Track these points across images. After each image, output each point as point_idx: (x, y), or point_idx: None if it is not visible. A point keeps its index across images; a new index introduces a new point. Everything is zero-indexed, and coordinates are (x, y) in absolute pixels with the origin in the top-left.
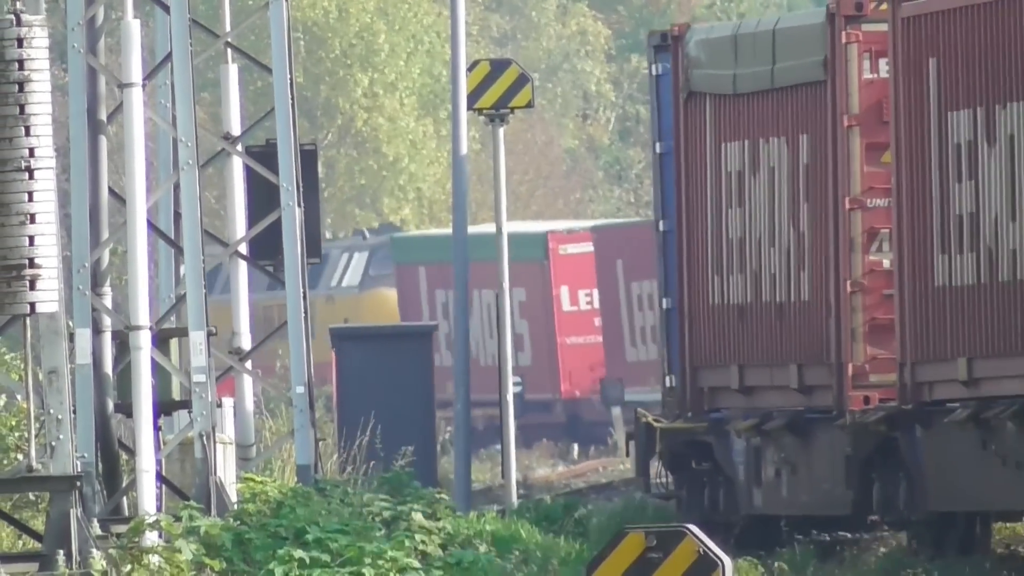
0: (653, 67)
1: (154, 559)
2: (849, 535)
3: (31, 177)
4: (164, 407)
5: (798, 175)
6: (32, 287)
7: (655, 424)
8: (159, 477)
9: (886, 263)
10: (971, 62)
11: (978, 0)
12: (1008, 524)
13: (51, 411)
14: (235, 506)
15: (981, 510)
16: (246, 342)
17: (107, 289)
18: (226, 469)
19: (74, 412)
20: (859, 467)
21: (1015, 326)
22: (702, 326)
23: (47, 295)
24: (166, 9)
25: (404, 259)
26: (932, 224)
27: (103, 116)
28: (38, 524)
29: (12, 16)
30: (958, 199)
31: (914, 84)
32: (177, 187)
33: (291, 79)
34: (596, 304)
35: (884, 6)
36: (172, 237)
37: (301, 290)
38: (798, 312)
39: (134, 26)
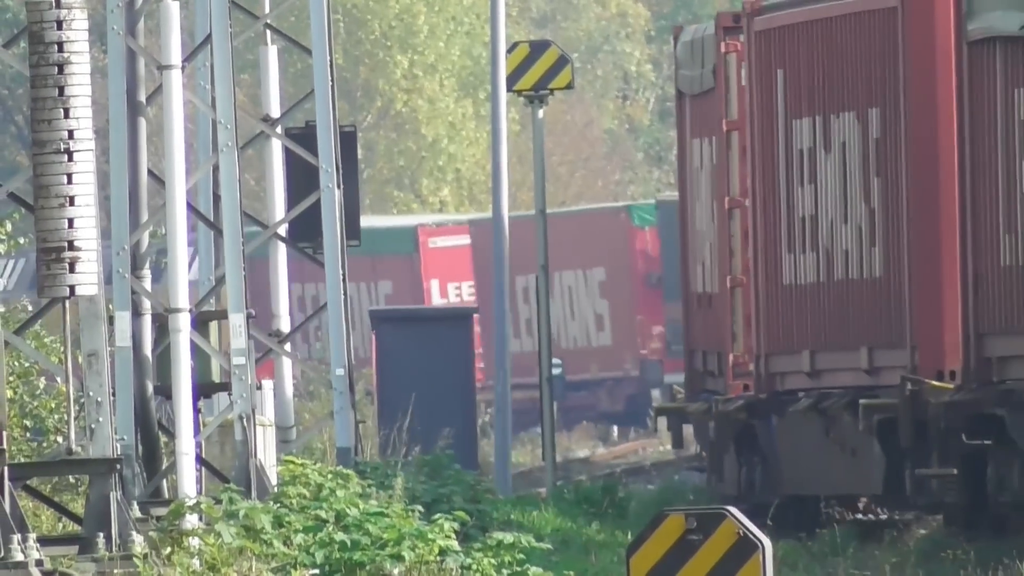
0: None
1: (194, 542)
2: (885, 516)
3: (70, 159)
4: (204, 389)
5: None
6: (72, 270)
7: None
8: (199, 459)
9: None
10: (811, 74)
11: (815, 16)
12: None
13: (91, 394)
14: (275, 489)
15: (825, 494)
16: (285, 324)
17: (146, 271)
18: (266, 451)
19: (114, 395)
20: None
21: (849, 322)
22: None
23: (87, 278)
24: None
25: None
26: (780, 225)
27: (142, 98)
28: (78, 507)
29: None
30: (801, 202)
31: (764, 94)
32: (216, 169)
33: (330, 61)
34: (468, 297)
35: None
36: (212, 219)
37: (340, 272)
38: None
39: (173, 7)
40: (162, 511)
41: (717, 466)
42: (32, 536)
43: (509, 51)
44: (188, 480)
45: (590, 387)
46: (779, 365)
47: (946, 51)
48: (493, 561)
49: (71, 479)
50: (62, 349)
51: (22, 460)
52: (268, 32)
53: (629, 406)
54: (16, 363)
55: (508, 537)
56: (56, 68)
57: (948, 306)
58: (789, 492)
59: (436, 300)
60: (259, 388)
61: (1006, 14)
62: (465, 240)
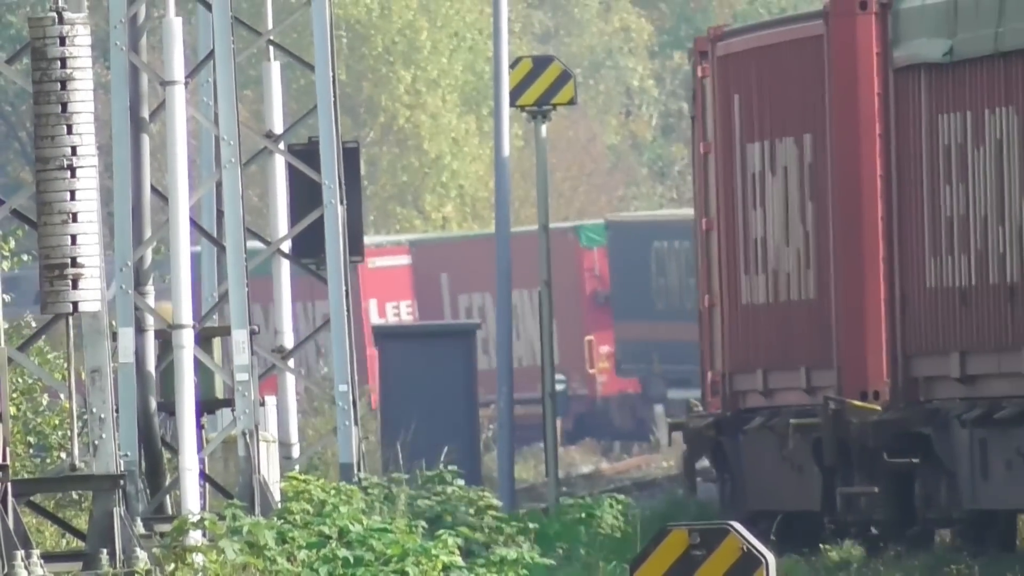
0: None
1: (198, 558)
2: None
3: (73, 175)
4: (207, 405)
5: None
6: (75, 286)
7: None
8: (202, 475)
9: None
10: (760, 99)
11: (763, 43)
12: None
13: (94, 410)
14: (278, 505)
15: (780, 510)
16: (289, 340)
17: (150, 288)
18: (269, 467)
19: (117, 411)
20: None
21: (792, 342)
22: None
23: (90, 294)
24: (208, 7)
25: None
26: (738, 247)
27: (145, 114)
28: (81, 523)
29: (54, 14)
30: (753, 225)
31: (725, 118)
32: (219, 185)
33: (333, 76)
34: (407, 316)
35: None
36: (215, 235)
37: (343, 288)
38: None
39: (176, 24)
40: (166, 527)
41: (691, 482)
42: (36, 552)
43: (512, 66)
44: (192, 496)
45: (538, 406)
46: (740, 384)
47: (868, 77)
48: None
49: (75, 495)
50: (65, 365)
51: (25, 476)
52: (271, 48)
53: (577, 424)
54: (19, 379)
55: (511, 553)
56: (59, 84)
57: (872, 328)
58: (753, 508)
59: (374, 319)
60: (262, 404)
61: (931, 41)
62: (404, 260)
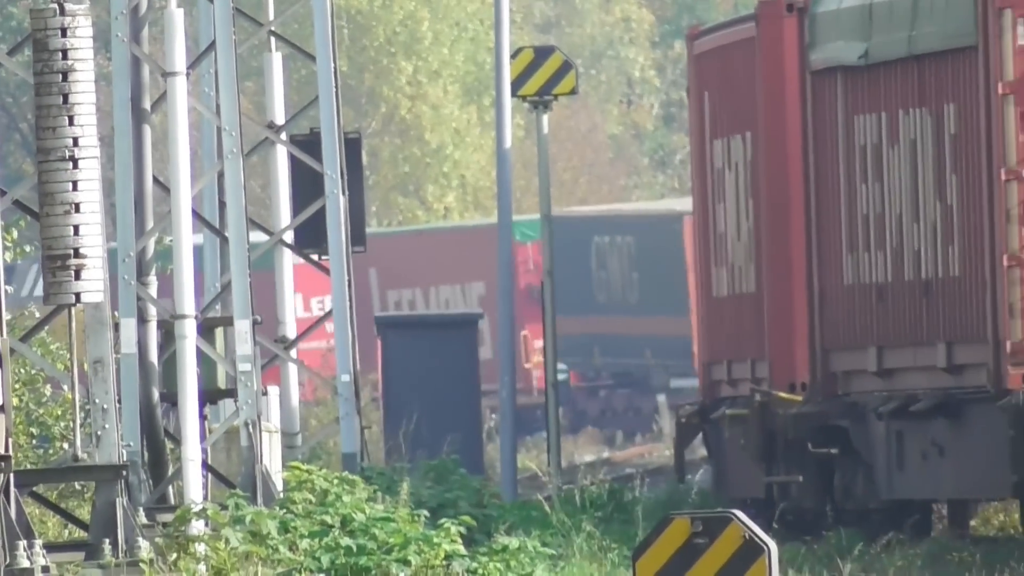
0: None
1: (200, 547)
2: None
3: (75, 167)
4: (209, 396)
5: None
6: (77, 277)
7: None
8: (205, 466)
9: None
10: (721, 97)
11: (722, 43)
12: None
13: (96, 401)
14: (281, 494)
15: (741, 497)
16: (291, 331)
17: (152, 278)
18: (272, 457)
19: (119, 402)
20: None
21: (742, 334)
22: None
23: (92, 285)
24: None
25: None
26: (708, 241)
27: (147, 105)
28: (84, 513)
29: (55, 5)
30: (717, 219)
31: (697, 114)
32: (221, 176)
33: (335, 67)
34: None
35: None
36: (217, 226)
37: (346, 278)
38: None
39: (178, 15)
40: (168, 517)
41: (680, 467)
42: (38, 542)
43: (513, 57)
44: (194, 486)
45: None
46: (715, 373)
47: (794, 79)
48: (499, 565)
49: (77, 486)
50: (68, 356)
51: (28, 467)
52: (272, 39)
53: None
54: (22, 370)
55: (514, 542)
56: (60, 75)
57: (799, 322)
58: (729, 495)
59: (300, 314)
60: (265, 394)
61: (847, 44)
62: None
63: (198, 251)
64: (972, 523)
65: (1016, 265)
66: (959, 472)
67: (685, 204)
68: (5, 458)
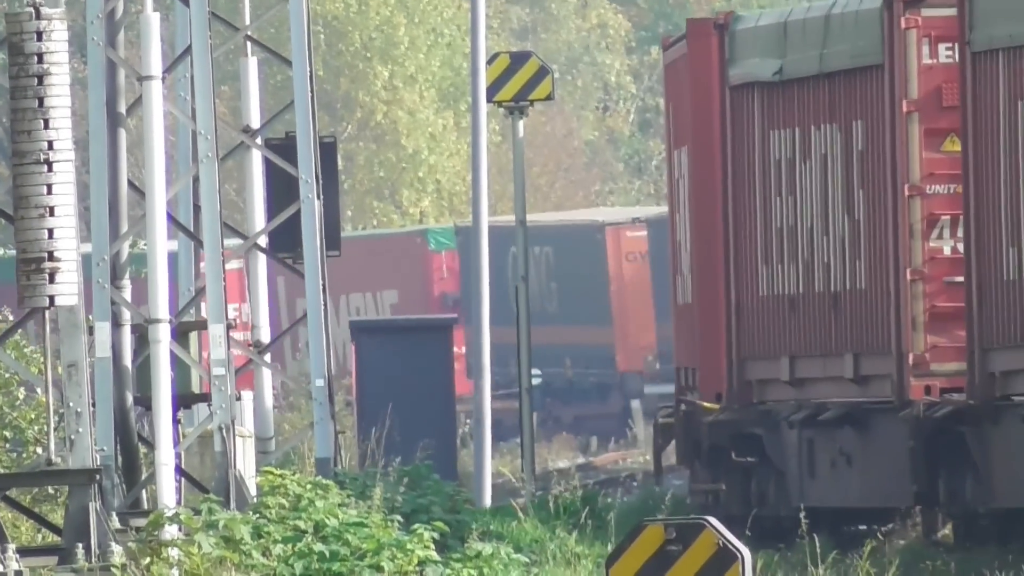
0: None
1: (173, 552)
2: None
3: (50, 170)
4: (183, 400)
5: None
6: (51, 280)
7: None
8: (178, 470)
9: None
10: (677, 108)
11: (678, 55)
12: None
13: (70, 405)
14: (254, 499)
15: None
16: (265, 335)
17: (126, 282)
18: (245, 462)
19: (93, 406)
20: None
21: (692, 342)
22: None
23: (66, 288)
24: (186, 2)
25: None
26: (675, 248)
27: (123, 109)
28: (57, 518)
29: (32, 9)
30: (677, 227)
31: (666, 123)
32: (196, 180)
33: (310, 72)
34: (241, 319)
35: None
36: (192, 230)
37: (320, 283)
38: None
39: (154, 19)
40: (141, 522)
41: (657, 469)
42: (11, 547)
43: (489, 62)
44: (167, 491)
45: None
46: (682, 378)
47: (716, 94)
48: (472, 572)
49: (51, 490)
50: (42, 360)
51: (1, 471)
52: (248, 44)
53: None
54: None
55: (487, 548)
56: (36, 79)
57: (725, 332)
58: (693, 496)
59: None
60: (239, 399)
61: (763, 61)
62: (237, 264)
63: (173, 255)
64: (946, 531)
65: (919, 279)
66: (866, 481)
67: (608, 214)
68: None
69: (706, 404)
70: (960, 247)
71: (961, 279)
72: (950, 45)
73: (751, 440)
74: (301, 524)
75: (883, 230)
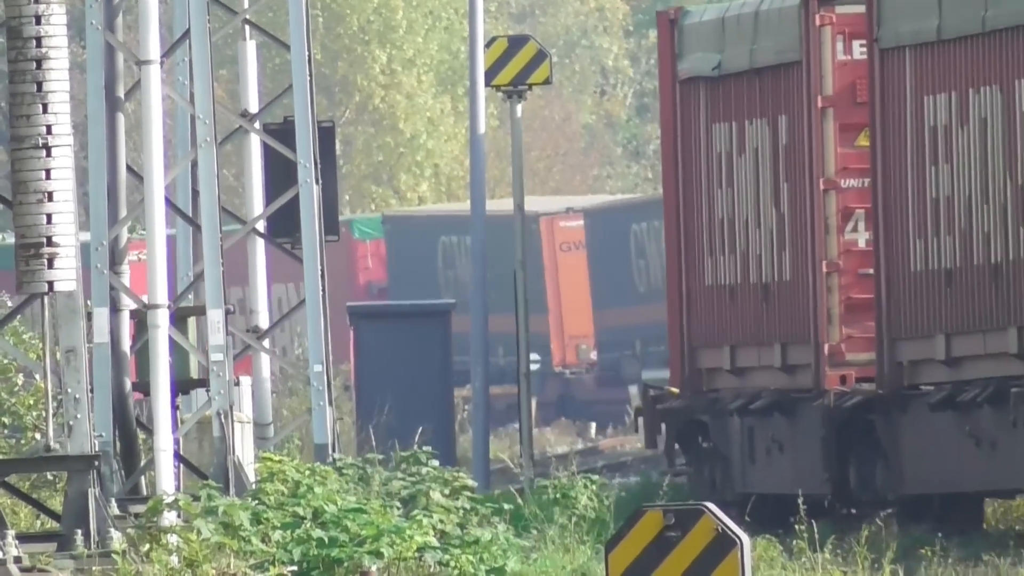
0: None
1: (172, 538)
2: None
3: (48, 155)
4: (182, 386)
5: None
6: (50, 266)
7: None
8: (177, 456)
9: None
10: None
11: None
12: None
13: (69, 390)
14: (253, 485)
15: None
16: (264, 321)
17: (125, 267)
18: (244, 448)
19: (92, 391)
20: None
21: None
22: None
23: (65, 274)
24: None
25: None
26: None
27: (121, 93)
28: (56, 504)
29: None
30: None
31: None
32: (195, 164)
33: (309, 56)
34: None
35: None
36: (190, 215)
37: (319, 268)
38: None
39: (152, 3)
40: (140, 508)
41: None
42: (10, 533)
43: (487, 46)
44: (166, 477)
45: None
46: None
47: (668, 87)
48: (471, 558)
49: (49, 476)
50: (40, 346)
51: (0, 457)
52: (247, 27)
53: None
54: None
55: (486, 534)
56: (34, 63)
57: (677, 320)
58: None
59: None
60: (237, 384)
61: (705, 56)
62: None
63: (171, 240)
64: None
65: (834, 271)
66: (794, 468)
67: (543, 204)
68: None
69: (672, 389)
70: None
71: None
72: (864, 42)
73: (702, 427)
74: (300, 510)
75: (804, 223)
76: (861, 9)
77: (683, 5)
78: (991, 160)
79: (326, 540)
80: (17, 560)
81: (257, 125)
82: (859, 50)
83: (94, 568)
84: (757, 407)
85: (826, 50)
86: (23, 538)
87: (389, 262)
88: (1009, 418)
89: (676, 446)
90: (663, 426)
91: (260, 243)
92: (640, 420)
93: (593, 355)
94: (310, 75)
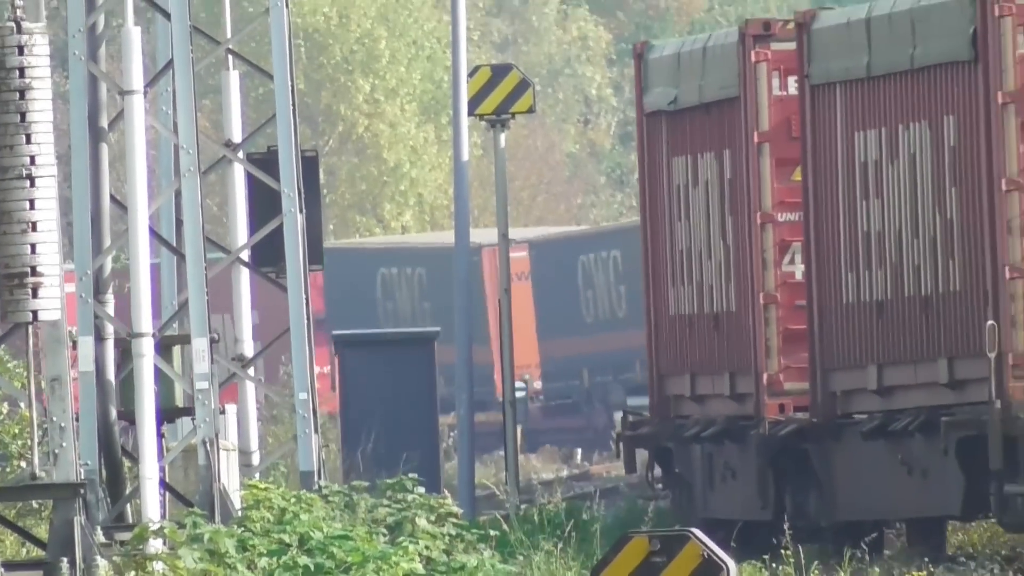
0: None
1: (158, 566)
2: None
3: (32, 185)
4: (167, 414)
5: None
6: (34, 295)
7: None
8: (162, 484)
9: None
10: None
11: None
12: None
13: (54, 419)
14: (239, 513)
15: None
16: (249, 349)
17: (109, 296)
18: (229, 476)
19: (77, 420)
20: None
21: None
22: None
23: (49, 303)
24: (167, 16)
25: None
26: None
27: (104, 123)
28: (42, 532)
29: (13, 23)
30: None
31: None
32: (179, 194)
33: (292, 85)
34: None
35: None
36: (174, 244)
37: (303, 296)
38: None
39: (135, 33)
40: (126, 536)
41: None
42: None
43: (470, 75)
44: (152, 505)
45: None
46: None
47: (639, 120)
48: None
49: (35, 504)
50: (25, 374)
51: None
52: (230, 57)
53: None
54: None
55: (472, 560)
56: (18, 94)
57: (648, 347)
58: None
59: None
60: (222, 413)
61: (665, 90)
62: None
63: (155, 269)
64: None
65: (772, 303)
66: (743, 494)
67: (485, 236)
68: None
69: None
70: None
71: None
72: (798, 78)
73: (670, 452)
74: (286, 537)
75: (746, 256)
76: (795, 46)
77: (657, 36)
78: (920, 194)
79: (312, 567)
80: None
81: (241, 155)
82: (794, 86)
83: None
84: (709, 434)
85: (762, 86)
86: (9, 566)
87: (327, 293)
88: (940, 446)
89: (656, 470)
90: (642, 452)
91: (245, 272)
92: (622, 446)
93: (537, 384)
94: (293, 105)
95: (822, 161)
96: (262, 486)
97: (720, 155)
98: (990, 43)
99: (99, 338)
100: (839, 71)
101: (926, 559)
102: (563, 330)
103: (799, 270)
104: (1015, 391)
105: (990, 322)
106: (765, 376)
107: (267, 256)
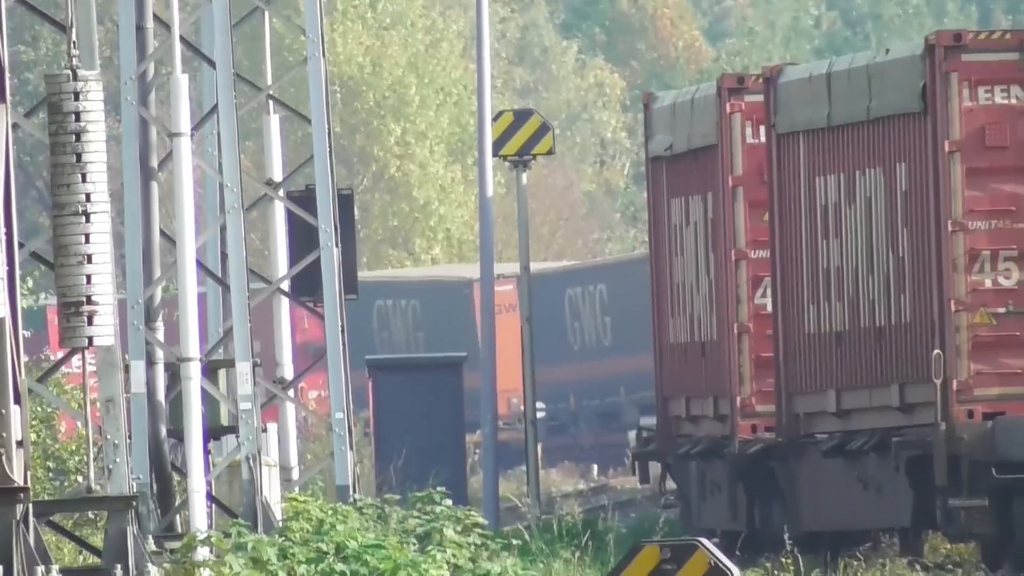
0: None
1: (205, 573)
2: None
3: (88, 220)
4: (213, 432)
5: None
6: (90, 322)
7: None
8: (209, 497)
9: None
10: None
11: None
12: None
13: (108, 437)
14: (280, 523)
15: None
16: (289, 372)
17: (159, 323)
18: (271, 489)
19: (130, 438)
20: None
21: None
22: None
23: (104, 330)
24: (212, 64)
25: None
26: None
27: (154, 163)
28: (97, 541)
29: (69, 71)
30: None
31: None
32: (224, 229)
33: (328, 129)
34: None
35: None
36: (220, 275)
37: (340, 323)
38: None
39: (183, 80)
40: (175, 544)
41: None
42: (55, 568)
43: (494, 119)
44: (199, 515)
45: None
46: None
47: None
48: None
49: (91, 515)
50: (81, 396)
51: (45, 498)
52: (271, 102)
53: None
54: (39, 408)
55: (496, 567)
56: (74, 136)
57: (655, 370)
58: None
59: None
60: (264, 431)
61: (663, 137)
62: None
63: (202, 298)
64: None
65: (745, 333)
66: (730, 509)
67: (475, 271)
68: (24, 489)
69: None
70: None
71: None
72: (766, 127)
73: (670, 468)
74: (323, 546)
75: (723, 289)
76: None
77: (668, 84)
78: (875, 234)
79: (348, 573)
80: None
81: (281, 193)
82: (764, 134)
83: None
84: (698, 452)
85: (736, 134)
86: (66, 572)
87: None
88: (892, 464)
89: (668, 483)
90: (653, 465)
91: (285, 301)
92: (636, 461)
93: (523, 407)
94: (330, 146)
95: (787, 203)
96: (301, 499)
97: (705, 197)
98: (938, 97)
99: (150, 362)
100: (802, 121)
101: (916, 566)
102: (550, 358)
103: (770, 303)
104: (958, 414)
105: (936, 351)
106: (739, 399)
107: (306, 286)
